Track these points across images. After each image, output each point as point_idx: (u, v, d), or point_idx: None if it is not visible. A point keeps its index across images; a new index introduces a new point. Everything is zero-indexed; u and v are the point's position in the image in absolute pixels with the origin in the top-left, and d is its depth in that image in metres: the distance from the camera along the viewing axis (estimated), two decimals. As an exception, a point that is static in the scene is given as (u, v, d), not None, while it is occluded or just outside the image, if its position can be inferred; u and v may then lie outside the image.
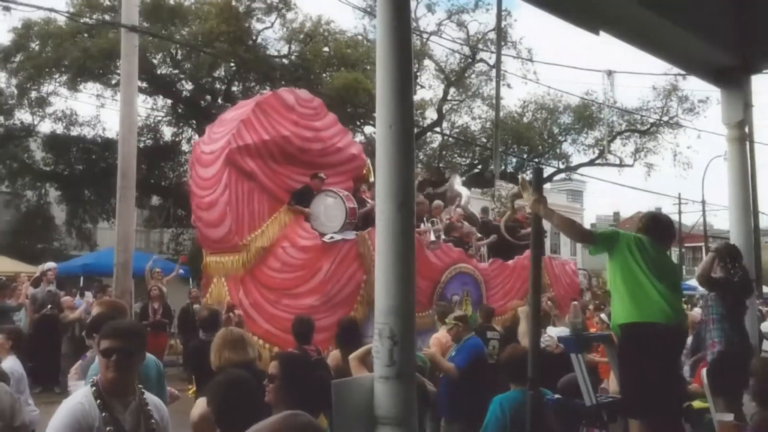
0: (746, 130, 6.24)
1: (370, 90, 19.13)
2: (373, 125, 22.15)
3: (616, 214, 77.56)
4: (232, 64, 19.95)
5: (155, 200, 23.67)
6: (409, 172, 3.61)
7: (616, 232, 4.22)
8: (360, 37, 23.21)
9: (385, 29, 3.61)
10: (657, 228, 4.27)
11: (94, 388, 2.84)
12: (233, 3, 19.53)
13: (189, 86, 21.54)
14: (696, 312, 11.29)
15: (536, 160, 25.85)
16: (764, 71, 6.49)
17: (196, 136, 22.96)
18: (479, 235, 11.15)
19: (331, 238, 8.69)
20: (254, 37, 20.61)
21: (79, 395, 2.89)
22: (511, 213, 11.64)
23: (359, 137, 24.27)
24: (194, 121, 22.32)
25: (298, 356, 4.31)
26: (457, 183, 12.26)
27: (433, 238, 9.76)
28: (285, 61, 21.24)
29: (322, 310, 7.96)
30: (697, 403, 5.48)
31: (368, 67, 21.25)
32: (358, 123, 22.56)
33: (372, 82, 20.14)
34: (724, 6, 5.69)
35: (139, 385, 3.00)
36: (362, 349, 4.50)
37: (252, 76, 20.88)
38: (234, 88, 21.74)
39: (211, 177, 8.81)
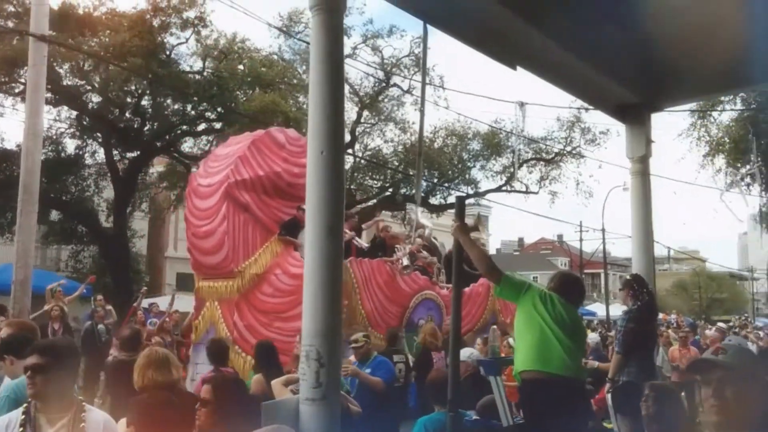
0: (648, 164, 6.66)
1: (287, 113, 19.09)
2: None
3: (521, 240, 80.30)
4: (143, 79, 19.46)
5: (54, 215, 22.62)
6: (339, 197, 3.68)
7: (526, 283, 4.40)
8: (275, 57, 23.16)
9: (319, 57, 3.69)
10: (565, 286, 4.44)
11: (26, 405, 2.89)
12: (147, 17, 19.10)
13: (97, 99, 20.81)
14: (592, 337, 11.84)
15: (446, 184, 26.39)
16: (664, 110, 6.95)
17: (102, 150, 22.25)
18: (439, 264, 11.73)
19: None
20: (168, 52, 20.19)
21: (15, 411, 2.93)
22: None
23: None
24: (100, 135, 21.58)
25: (231, 379, 4.26)
26: (421, 215, 12.72)
27: (406, 263, 10.37)
28: (198, 77, 20.90)
29: (309, 333, 8.47)
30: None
31: (282, 87, 21.22)
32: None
33: (288, 103, 20.14)
34: (629, 47, 6.07)
35: (83, 402, 2.95)
36: (287, 376, 4.51)
37: (164, 92, 20.42)
38: (144, 102, 21.21)
39: (208, 208, 9.61)
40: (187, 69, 21.02)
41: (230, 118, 20.10)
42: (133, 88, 20.39)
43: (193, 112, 21.64)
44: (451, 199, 25.46)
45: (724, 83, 6.54)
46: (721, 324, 20.62)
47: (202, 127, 22.57)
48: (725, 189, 15.53)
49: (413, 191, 24.79)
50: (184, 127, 22.15)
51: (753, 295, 61.66)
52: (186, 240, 10.38)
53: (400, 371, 7.15)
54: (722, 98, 13.95)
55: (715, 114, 15.39)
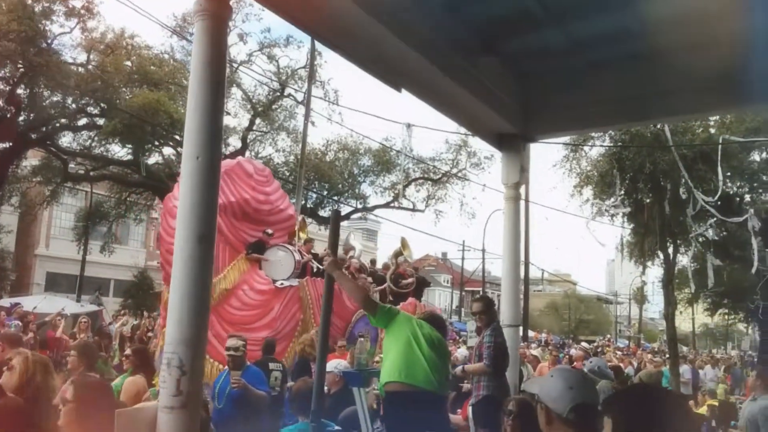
0: (521, 191, 6.99)
1: (171, 113, 18.58)
2: (172, 146, 21.54)
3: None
4: (20, 66, 18.38)
5: None
6: (212, 204, 3.65)
7: (396, 309, 4.66)
8: (166, 56, 22.51)
9: (200, 61, 3.64)
10: (433, 321, 4.73)
11: None
12: (28, 2, 18.07)
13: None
14: (461, 352, 12.28)
15: (335, 197, 26.53)
16: (538, 141, 7.34)
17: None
18: (372, 282, 12.72)
19: (281, 284, 10.78)
20: (49, 41, 19.17)
21: None
22: (394, 268, 13.49)
23: (157, 158, 23.39)
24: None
25: (94, 382, 4.13)
26: (351, 237, 13.94)
27: None
28: (82, 69, 19.97)
29: (272, 343, 9.23)
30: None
31: (172, 88, 20.65)
32: (156, 143, 21.73)
33: (174, 104, 19.61)
34: (508, 81, 6.40)
35: None
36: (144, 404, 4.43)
37: (42, 81, 19.33)
38: (20, 91, 20.01)
39: None
40: (70, 60, 20.06)
41: (112, 114, 19.32)
42: (7, 74, 19.20)
43: (73, 106, 20.66)
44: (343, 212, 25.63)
45: (593, 121, 6.98)
46: (585, 344, 21.85)
47: (83, 122, 21.56)
48: (591, 218, 16.52)
49: (303, 202, 24.75)
50: (63, 120, 21.10)
51: (616, 318, 65.65)
52: (160, 256, 11.59)
53: (276, 379, 7.16)
54: (593, 134, 14.86)
55: (585, 148, 16.36)
